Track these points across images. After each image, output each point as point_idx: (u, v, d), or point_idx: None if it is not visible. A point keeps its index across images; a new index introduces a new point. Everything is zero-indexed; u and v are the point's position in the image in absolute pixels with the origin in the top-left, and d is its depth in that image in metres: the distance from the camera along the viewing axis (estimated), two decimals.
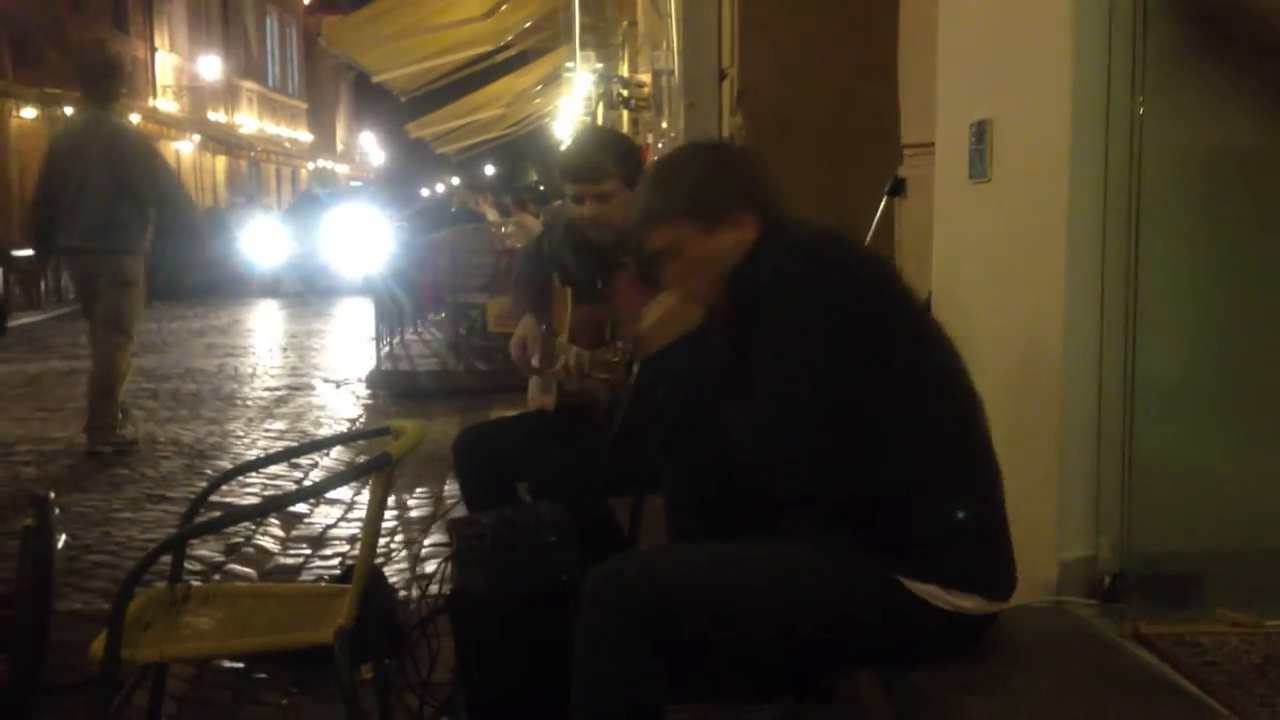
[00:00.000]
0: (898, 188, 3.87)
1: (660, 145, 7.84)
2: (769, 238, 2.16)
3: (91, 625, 3.93)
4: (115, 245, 6.37)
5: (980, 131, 2.89)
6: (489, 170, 42.19)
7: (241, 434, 7.50)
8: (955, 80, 3.15)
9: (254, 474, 5.83)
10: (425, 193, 44.59)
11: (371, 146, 47.71)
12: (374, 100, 43.20)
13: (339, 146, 42.65)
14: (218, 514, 3.84)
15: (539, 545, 2.83)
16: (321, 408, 8.60)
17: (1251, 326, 2.62)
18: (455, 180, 44.96)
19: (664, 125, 7.70)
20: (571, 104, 15.08)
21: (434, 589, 2.91)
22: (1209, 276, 2.60)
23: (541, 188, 29.73)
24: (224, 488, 3.13)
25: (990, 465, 2.14)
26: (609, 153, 3.33)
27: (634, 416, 2.81)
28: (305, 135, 42.58)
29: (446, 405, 8.52)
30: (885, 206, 3.96)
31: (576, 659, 2.07)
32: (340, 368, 10.65)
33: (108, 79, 6.59)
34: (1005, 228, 2.82)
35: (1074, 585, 2.50)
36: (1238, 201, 2.64)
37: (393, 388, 9.17)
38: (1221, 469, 2.52)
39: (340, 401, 8.90)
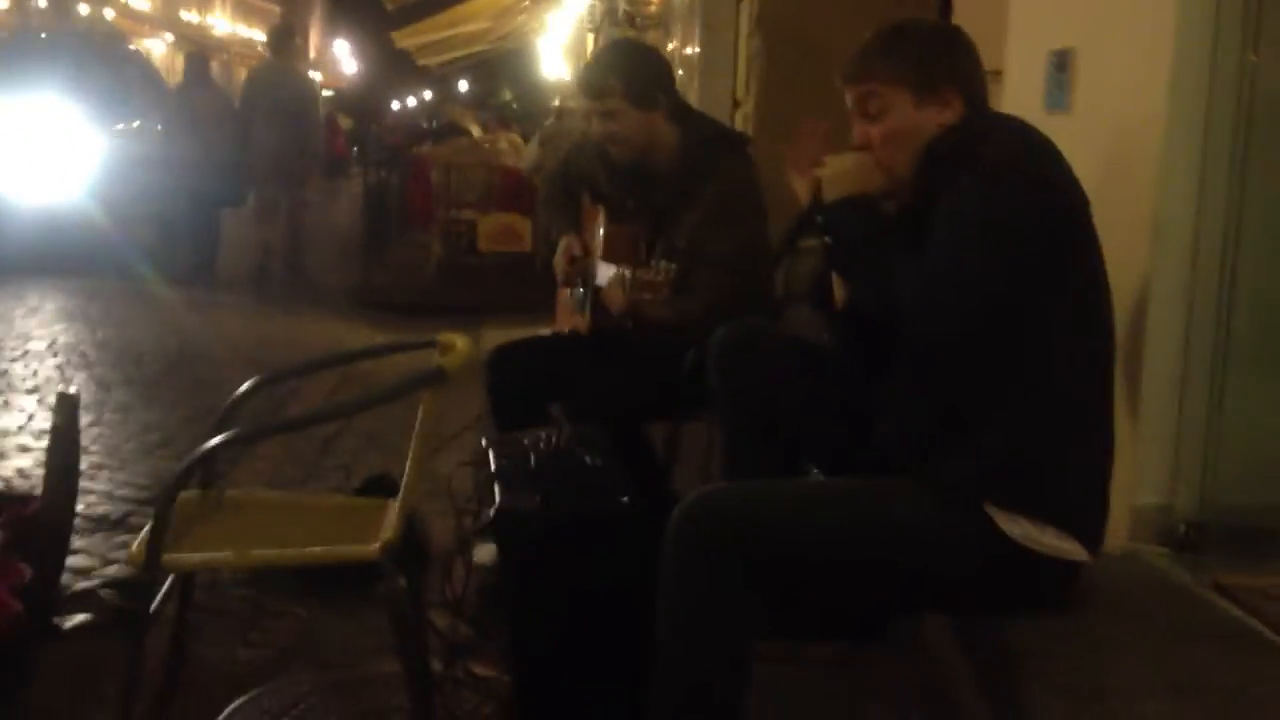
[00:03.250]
0: None
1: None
2: (972, 121, 2.17)
3: (98, 529, 3.88)
4: None
5: (1062, 61, 2.79)
6: (463, 86, 41.57)
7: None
8: (1030, 5, 3.03)
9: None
10: (396, 105, 43.91)
11: (345, 55, 46.80)
12: (349, 8, 42.42)
13: (311, 53, 41.81)
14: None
15: (585, 466, 2.76)
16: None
17: None
18: (428, 94, 44.30)
19: (673, 44, 7.52)
20: (563, 18, 14.80)
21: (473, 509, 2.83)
22: None
23: (515, 105, 29.43)
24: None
25: (1109, 413, 2.09)
26: (614, 69, 3.27)
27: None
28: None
29: (433, 324, 8.38)
30: None
31: (663, 593, 2.00)
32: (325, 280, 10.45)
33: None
34: (1087, 164, 2.72)
35: (1147, 532, 2.45)
36: None
37: (378, 303, 9.00)
38: None
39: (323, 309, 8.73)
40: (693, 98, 6.39)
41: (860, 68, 2.22)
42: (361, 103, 37.95)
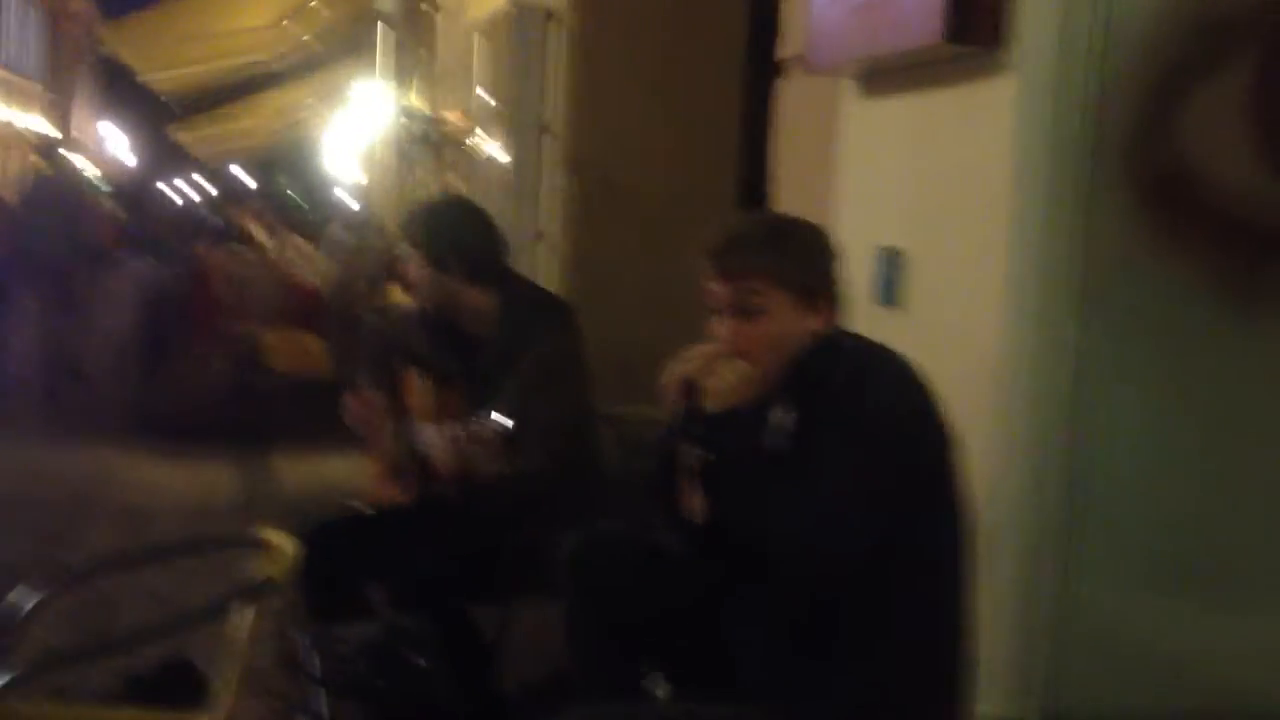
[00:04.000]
0: None
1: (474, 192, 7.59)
2: (842, 336, 2.15)
3: None
4: None
5: (891, 259, 2.85)
6: (242, 175, 40.43)
7: None
8: (855, 204, 3.10)
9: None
10: (175, 197, 42.33)
11: (114, 138, 44.86)
12: (120, 94, 40.85)
13: (73, 134, 39.97)
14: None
15: (413, 669, 2.61)
16: None
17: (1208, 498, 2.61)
18: (199, 180, 42.82)
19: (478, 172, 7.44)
20: (348, 116, 14.57)
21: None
22: (1157, 440, 2.59)
23: (292, 195, 28.79)
24: None
25: (970, 645, 2.07)
26: (419, 225, 3.34)
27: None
28: (41, 121, 39.69)
29: (219, 452, 7.95)
30: None
31: None
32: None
33: None
34: (925, 358, 2.76)
35: None
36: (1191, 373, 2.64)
37: (158, 427, 8.47)
38: (1159, 633, 2.51)
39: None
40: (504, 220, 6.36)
41: (742, 260, 2.13)
42: (138, 193, 36.47)
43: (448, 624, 3.07)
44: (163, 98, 16.60)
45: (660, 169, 5.99)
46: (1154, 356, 2.56)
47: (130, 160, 41.86)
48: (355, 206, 14.76)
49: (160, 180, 42.24)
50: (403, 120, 10.05)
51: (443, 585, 3.09)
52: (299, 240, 12.26)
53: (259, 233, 14.01)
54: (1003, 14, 2.55)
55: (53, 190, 10.59)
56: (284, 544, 2.42)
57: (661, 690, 2.38)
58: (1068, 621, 2.45)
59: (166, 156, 37.61)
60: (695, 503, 2.28)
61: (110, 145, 42.11)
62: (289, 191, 34.66)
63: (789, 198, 3.82)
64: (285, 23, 12.66)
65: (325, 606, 3.05)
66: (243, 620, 2.22)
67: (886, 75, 2.97)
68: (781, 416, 2.15)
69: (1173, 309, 2.51)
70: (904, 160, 2.94)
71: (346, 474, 7.41)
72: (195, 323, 10.20)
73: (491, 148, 7.11)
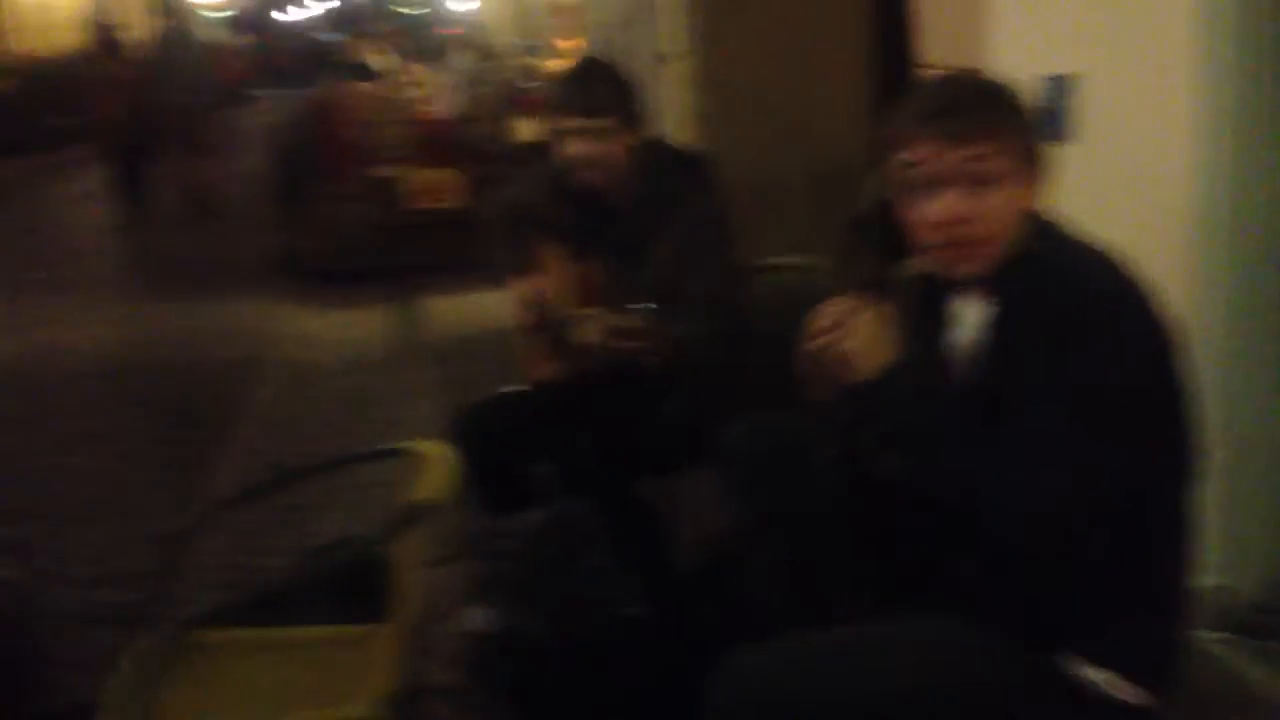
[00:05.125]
0: None
1: (590, 13, 7.26)
2: (1048, 233, 1.84)
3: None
4: None
5: (1060, 88, 2.57)
6: None
7: None
8: (1016, 27, 2.79)
9: None
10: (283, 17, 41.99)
11: None
12: None
13: None
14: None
15: (585, 569, 2.56)
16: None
17: None
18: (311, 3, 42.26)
19: None
20: None
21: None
22: None
23: (412, 13, 28.19)
24: None
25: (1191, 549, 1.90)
26: (609, 85, 3.00)
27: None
28: None
29: (372, 294, 8.05)
30: None
31: None
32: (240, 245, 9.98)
33: None
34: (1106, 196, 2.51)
35: (1207, 618, 2.29)
36: None
37: (304, 271, 8.60)
38: None
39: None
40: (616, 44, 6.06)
41: (968, 121, 1.81)
42: (258, 16, 36.33)
43: (615, 504, 3.01)
44: None
45: None
46: None
47: None
48: (466, 29, 14.42)
49: (277, 5, 42.04)
50: None
51: (605, 462, 3.01)
52: (418, 69, 12.08)
53: (380, 63, 13.90)
54: None
55: (178, 39, 11.14)
56: (440, 456, 2.35)
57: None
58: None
59: None
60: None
61: None
62: (411, 13, 34.06)
63: (935, 22, 3.49)
64: None
65: (489, 494, 3.02)
66: (406, 543, 2.18)
67: None
68: (981, 312, 1.86)
69: None
70: None
71: (495, 309, 7.44)
72: (328, 164, 10.21)
73: None
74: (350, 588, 2.57)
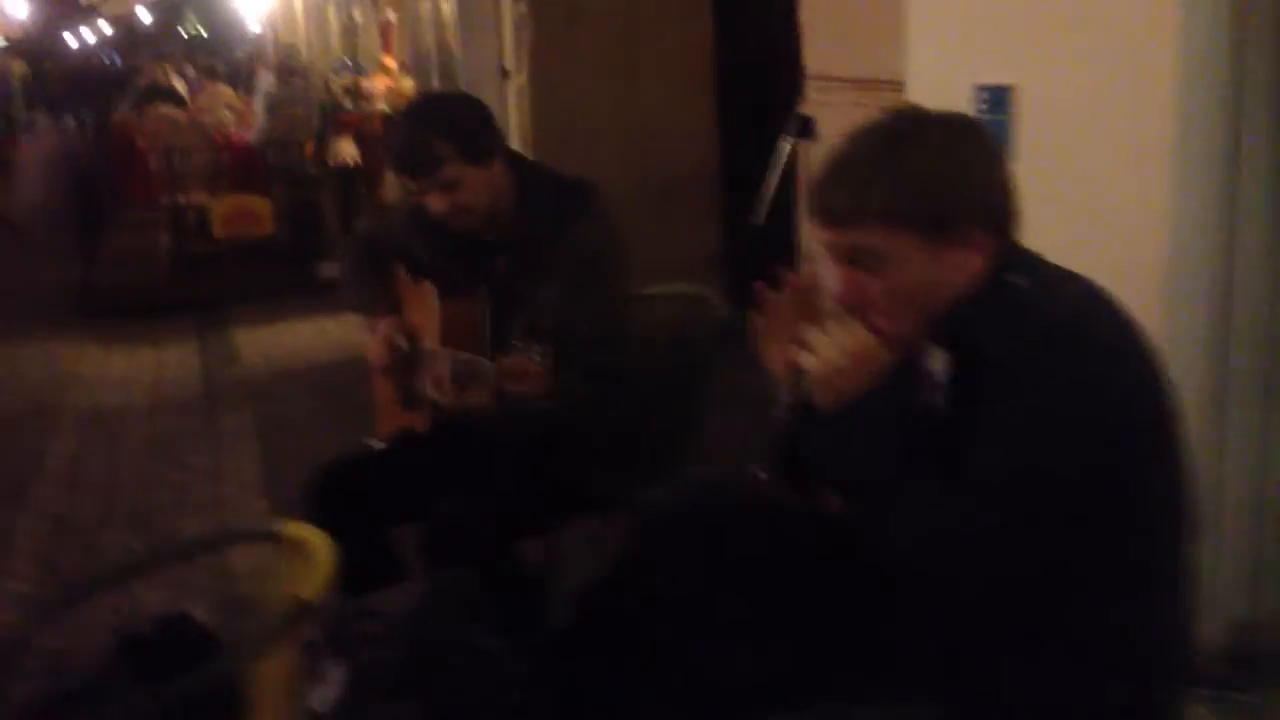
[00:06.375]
0: (805, 130, 3.25)
1: (418, 28, 6.89)
2: (1008, 274, 1.61)
3: None
4: None
5: (997, 98, 2.34)
6: (143, 15, 38.26)
7: None
8: (943, 35, 2.55)
9: None
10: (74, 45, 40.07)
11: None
12: None
13: None
14: None
15: (468, 653, 2.22)
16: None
17: None
18: (102, 26, 40.50)
19: (423, 5, 6.75)
20: None
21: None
22: None
23: (203, 35, 27.16)
24: None
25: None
26: (440, 130, 2.61)
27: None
28: None
29: (179, 328, 7.45)
30: (788, 152, 3.34)
31: None
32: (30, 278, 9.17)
33: None
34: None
35: None
36: None
37: (105, 308, 7.93)
38: None
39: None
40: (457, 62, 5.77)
41: (847, 200, 1.62)
42: (36, 44, 34.50)
43: (494, 571, 2.67)
44: None
45: None
46: None
47: (25, 13, 39.59)
48: (273, 47, 13.80)
49: (64, 31, 40.08)
50: None
51: (482, 524, 2.66)
52: (224, 90, 11.44)
53: (180, 85, 13.15)
54: None
55: None
56: (314, 542, 1.98)
57: None
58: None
59: (75, 11, 35.55)
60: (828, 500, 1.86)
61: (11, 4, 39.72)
62: (193, 23, 32.61)
63: (822, 24, 3.26)
64: None
65: (350, 569, 2.62)
66: (278, 653, 1.80)
67: None
68: (936, 363, 1.68)
69: None
70: None
71: (308, 340, 6.99)
72: (128, 190, 9.55)
73: None
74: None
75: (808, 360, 1.67)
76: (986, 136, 1.69)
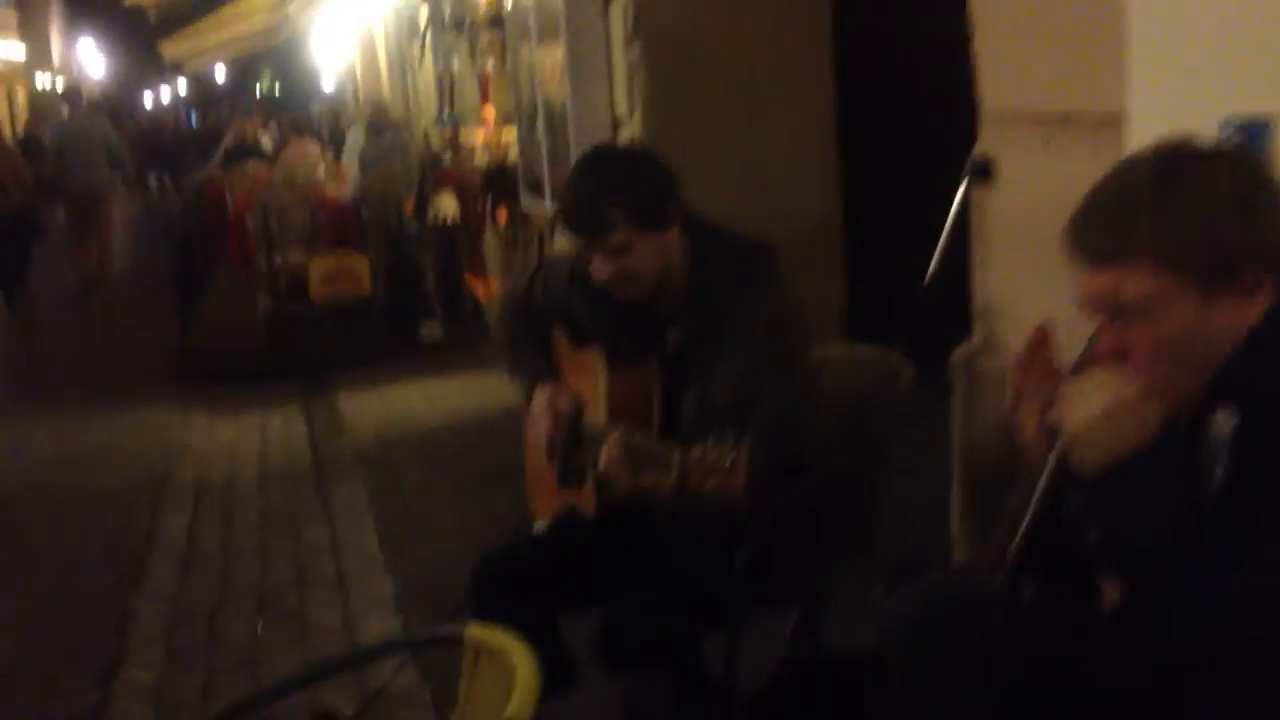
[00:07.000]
0: (981, 171, 2.99)
1: (519, 77, 6.72)
2: None
3: None
4: None
5: (1256, 132, 2.05)
6: (219, 76, 39.00)
7: None
8: (1178, 55, 2.26)
9: None
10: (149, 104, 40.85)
11: (90, 54, 43.48)
12: (89, 7, 39.29)
13: (55, 59, 38.64)
14: None
15: None
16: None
17: None
18: (181, 84, 41.24)
19: (524, 53, 6.58)
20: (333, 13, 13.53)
21: None
22: None
23: (277, 94, 27.50)
24: None
25: None
26: (614, 194, 2.37)
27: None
28: (17, 46, 38.19)
29: (283, 392, 7.33)
30: (962, 196, 3.08)
31: None
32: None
33: None
34: None
35: None
36: None
37: (204, 371, 7.83)
38: None
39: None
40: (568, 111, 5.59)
41: (1113, 240, 1.45)
42: (120, 105, 35.23)
43: (677, 671, 2.42)
44: (149, 15, 15.54)
45: (743, 27, 5.16)
46: None
47: (118, 79, 40.58)
48: (357, 103, 13.80)
49: (143, 90, 40.95)
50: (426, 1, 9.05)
51: (664, 621, 2.41)
52: (311, 146, 11.41)
53: (266, 140, 13.18)
54: None
55: (80, 127, 10.51)
56: (511, 650, 1.71)
57: None
58: None
59: (141, 62, 36.31)
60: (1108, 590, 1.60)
61: (92, 65, 40.78)
62: (268, 80, 32.94)
63: (1000, 53, 2.98)
64: None
65: None
66: None
67: None
68: (1221, 424, 1.45)
69: None
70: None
71: (413, 405, 6.82)
72: (223, 252, 9.49)
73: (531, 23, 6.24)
74: None
75: (1069, 419, 1.47)
76: (1267, 170, 1.51)
